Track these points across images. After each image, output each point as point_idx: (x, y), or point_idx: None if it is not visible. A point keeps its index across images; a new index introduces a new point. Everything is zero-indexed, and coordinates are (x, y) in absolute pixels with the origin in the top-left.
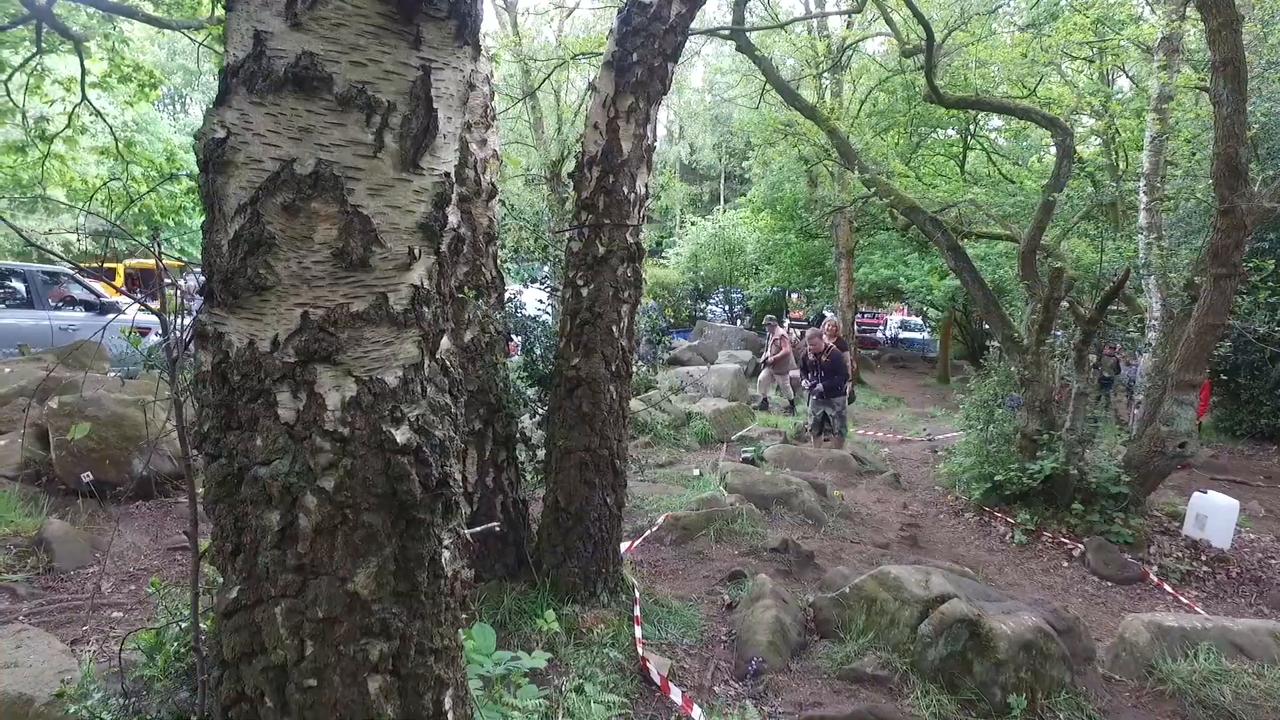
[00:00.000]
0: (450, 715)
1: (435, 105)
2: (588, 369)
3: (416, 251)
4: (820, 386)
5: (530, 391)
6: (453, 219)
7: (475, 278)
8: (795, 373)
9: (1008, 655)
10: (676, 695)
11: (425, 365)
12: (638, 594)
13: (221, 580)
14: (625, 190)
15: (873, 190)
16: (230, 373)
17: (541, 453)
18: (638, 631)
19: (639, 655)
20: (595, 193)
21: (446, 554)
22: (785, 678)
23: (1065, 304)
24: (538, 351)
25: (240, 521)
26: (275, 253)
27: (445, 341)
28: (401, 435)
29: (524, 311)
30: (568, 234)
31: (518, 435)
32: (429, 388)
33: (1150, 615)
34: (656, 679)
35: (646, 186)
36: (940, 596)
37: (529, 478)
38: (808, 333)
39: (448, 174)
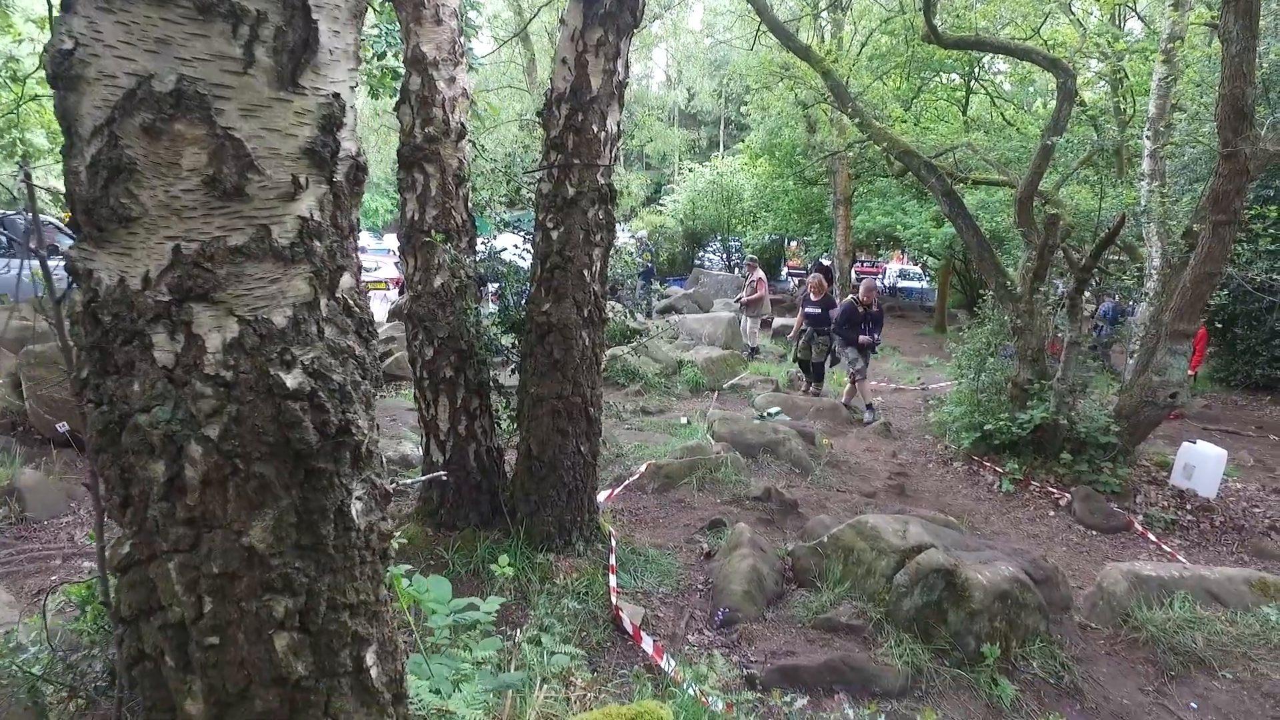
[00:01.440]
0: (373, 671)
1: (315, 16)
2: (559, 315)
3: (303, 180)
4: (878, 336)
5: (506, 340)
6: (349, 145)
7: (445, 221)
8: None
9: (983, 605)
10: (648, 644)
11: (321, 304)
12: (614, 543)
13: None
14: (595, 129)
15: (867, 135)
16: (101, 313)
17: (515, 401)
18: (612, 580)
19: (613, 604)
20: (564, 131)
21: (358, 505)
22: (760, 626)
23: (1060, 252)
24: (510, 298)
25: (126, 473)
26: (138, 180)
27: (347, 279)
28: (293, 379)
29: (499, 255)
30: (537, 175)
31: (491, 383)
32: (327, 328)
33: (1129, 564)
34: (629, 627)
35: (618, 125)
36: (917, 546)
37: (504, 426)
38: (862, 285)
39: (338, 95)
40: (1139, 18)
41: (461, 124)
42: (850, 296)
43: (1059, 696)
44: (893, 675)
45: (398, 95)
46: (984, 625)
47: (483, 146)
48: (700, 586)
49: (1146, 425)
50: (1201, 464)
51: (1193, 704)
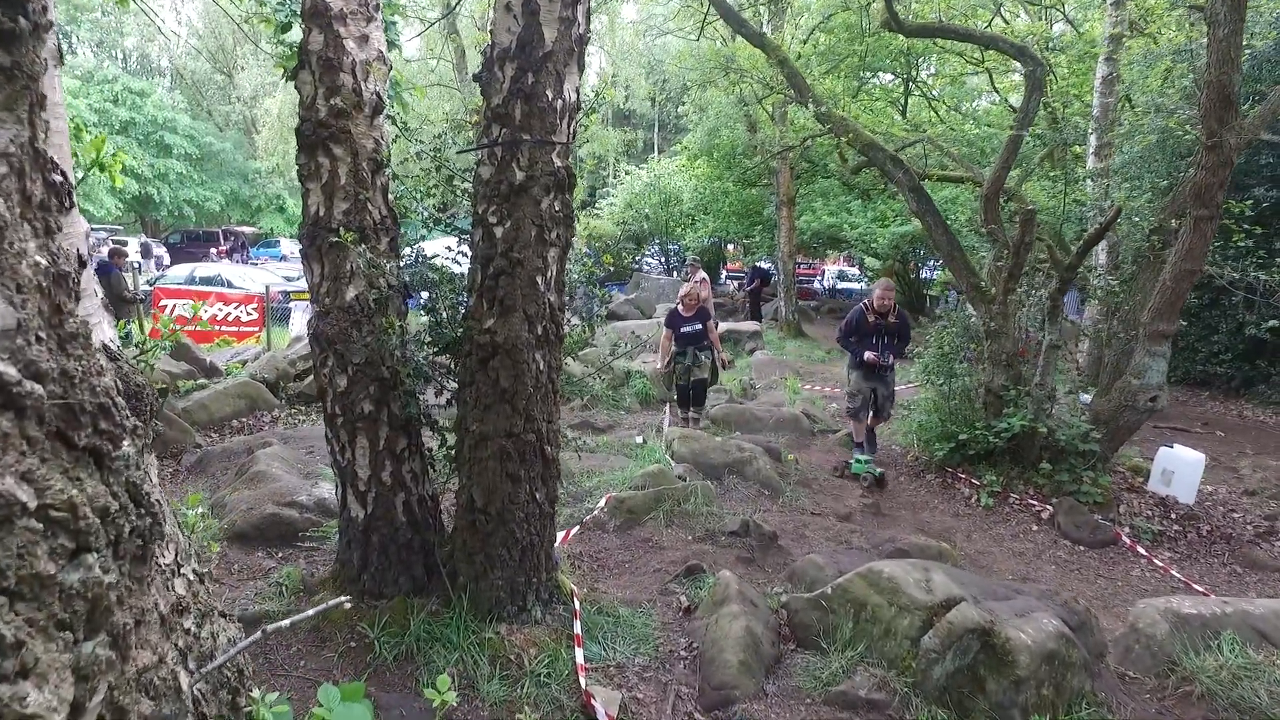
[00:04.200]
0: None
1: None
2: (505, 332)
3: None
4: (891, 358)
5: (439, 362)
6: None
7: (358, 216)
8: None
9: (1029, 671)
10: None
11: None
12: (578, 605)
13: None
14: (549, 95)
15: (827, 127)
16: None
17: (453, 438)
18: (578, 655)
19: (582, 688)
20: (509, 99)
21: None
22: (761, 706)
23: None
24: (444, 312)
25: None
26: None
27: None
28: None
29: (426, 260)
30: (475, 156)
31: (422, 417)
32: None
33: (1165, 601)
34: None
35: (577, 91)
36: (946, 601)
37: (439, 469)
38: (877, 285)
39: None
40: (1067, 20)
41: (377, 95)
42: (862, 302)
43: None
44: None
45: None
46: (1030, 694)
47: (405, 124)
48: (684, 653)
49: (1126, 430)
50: (1180, 469)
51: None
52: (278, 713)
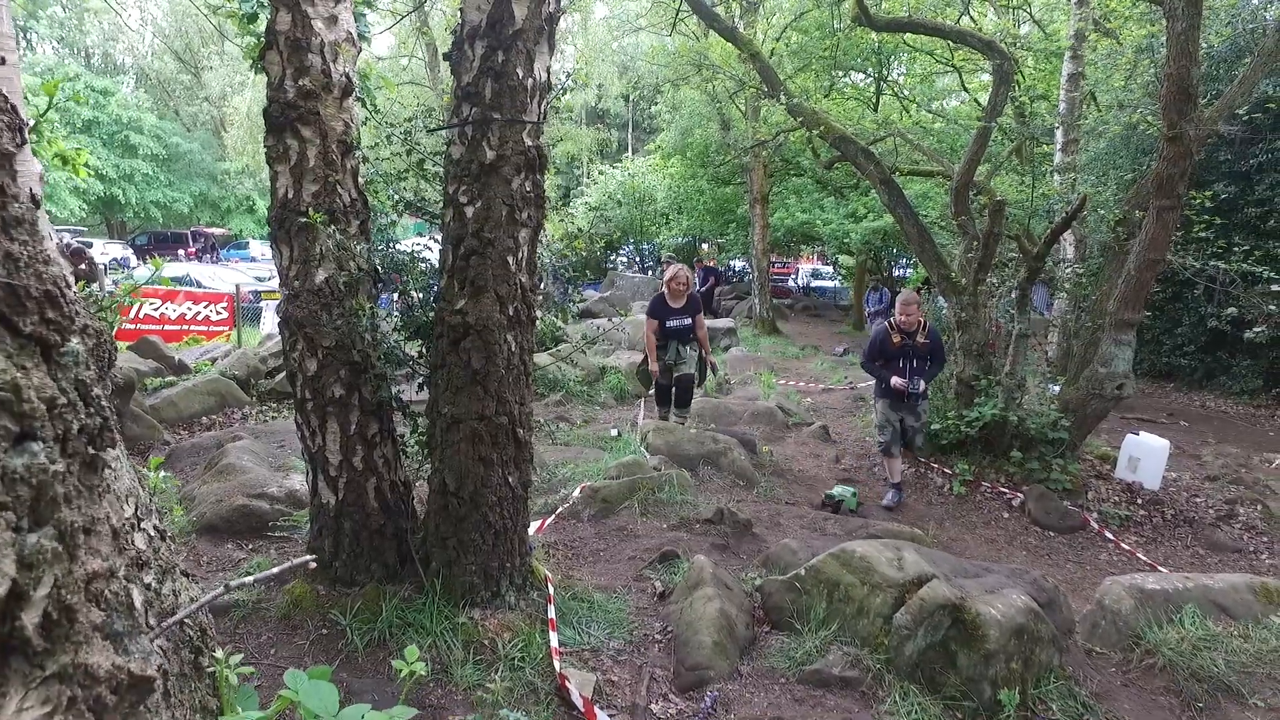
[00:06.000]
0: None
1: None
2: (477, 313)
3: None
4: (922, 385)
5: (412, 348)
6: None
7: (328, 199)
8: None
9: (999, 645)
10: None
11: None
12: (551, 590)
13: None
14: (519, 73)
15: (799, 120)
16: None
17: (425, 423)
18: (553, 639)
19: (556, 671)
20: (479, 77)
21: None
22: (736, 686)
23: (1014, 240)
24: (415, 294)
25: None
26: None
27: None
28: None
29: (397, 246)
30: (445, 136)
31: (394, 401)
32: None
33: (1130, 579)
34: (578, 702)
35: (548, 71)
36: (918, 579)
37: (412, 454)
38: (899, 298)
39: None
40: (1034, 21)
41: (347, 77)
42: (882, 322)
43: None
44: None
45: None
46: (1000, 668)
47: (375, 107)
48: (658, 636)
49: (1094, 418)
50: (1146, 456)
51: None
52: (241, 673)
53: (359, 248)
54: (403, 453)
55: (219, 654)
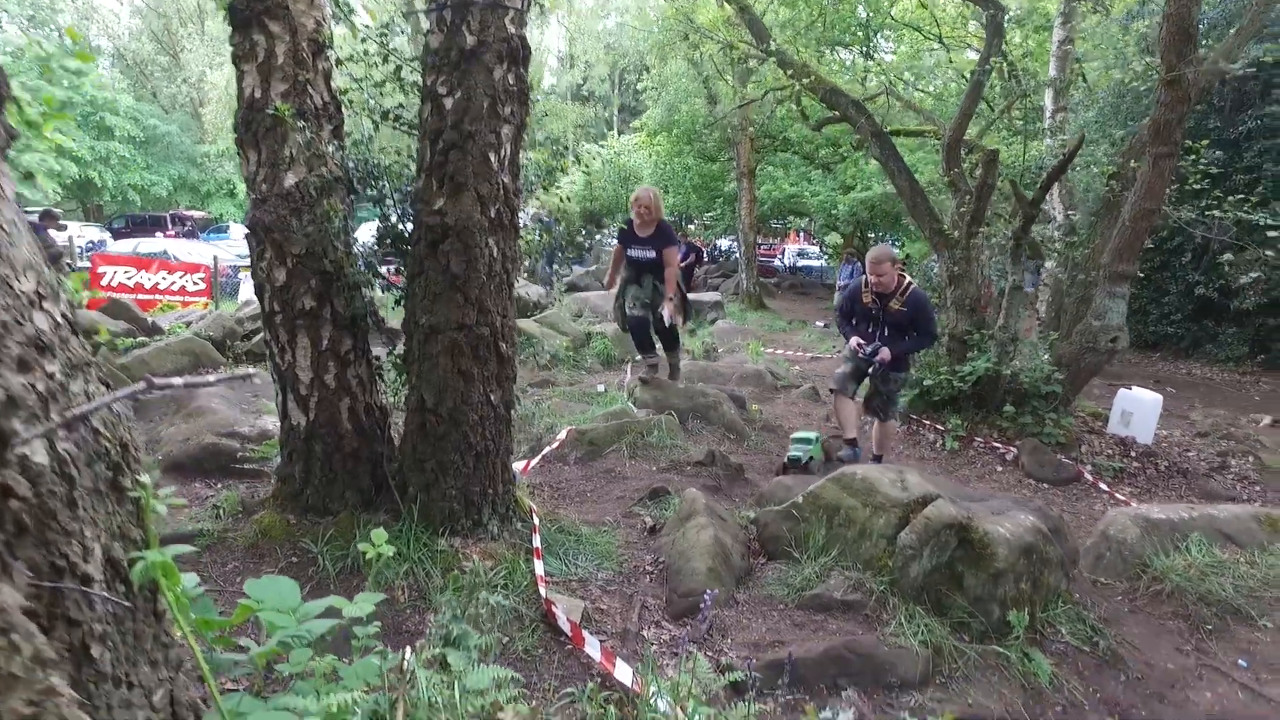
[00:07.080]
0: None
1: None
2: (456, 213)
3: None
4: (885, 353)
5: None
6: None
7: (299, 99)
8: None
9: (1007, 564)
10: (593, 647)
11: None
12: (537, 521)
13: None
14: None
15: (788, 72)
16: None
17: (403, 346)
18: (538, 567)
19: (542, 597)
20: None
21: None
22: (732, 612)
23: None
24: (393, 204)
25: None
26: None
27: None
28: None
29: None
30: (424, 18)
31: (370, 317)
32: None
33: (1135, 508)
34: (565, 626)
35: None
36: (923, 498)
37: (389, 375)
38: (869, 254)
39: None
40: None
41: None
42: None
43: (1098, 668)
44: (910, 660)
45: None
46: (1009, 588)
47: (349, 8)
48: (649, 568)
49: (1087, 372)
50: (1139, 410)
51: (1241, 661)
52: (173, 505)
53: (332, 150)
54: (379, 374)
55: (144, 478)
